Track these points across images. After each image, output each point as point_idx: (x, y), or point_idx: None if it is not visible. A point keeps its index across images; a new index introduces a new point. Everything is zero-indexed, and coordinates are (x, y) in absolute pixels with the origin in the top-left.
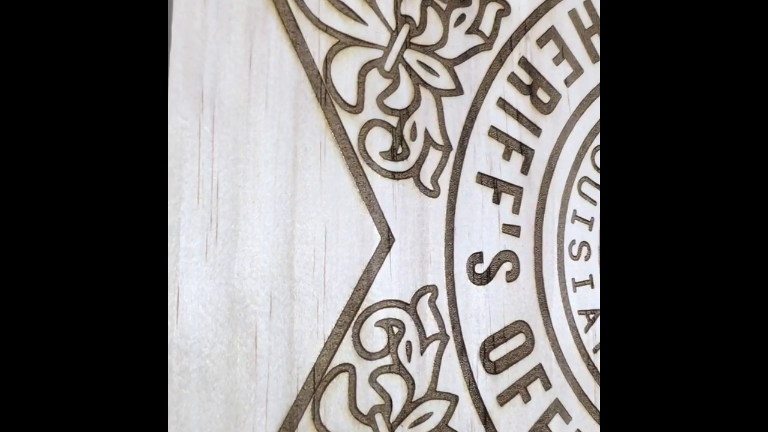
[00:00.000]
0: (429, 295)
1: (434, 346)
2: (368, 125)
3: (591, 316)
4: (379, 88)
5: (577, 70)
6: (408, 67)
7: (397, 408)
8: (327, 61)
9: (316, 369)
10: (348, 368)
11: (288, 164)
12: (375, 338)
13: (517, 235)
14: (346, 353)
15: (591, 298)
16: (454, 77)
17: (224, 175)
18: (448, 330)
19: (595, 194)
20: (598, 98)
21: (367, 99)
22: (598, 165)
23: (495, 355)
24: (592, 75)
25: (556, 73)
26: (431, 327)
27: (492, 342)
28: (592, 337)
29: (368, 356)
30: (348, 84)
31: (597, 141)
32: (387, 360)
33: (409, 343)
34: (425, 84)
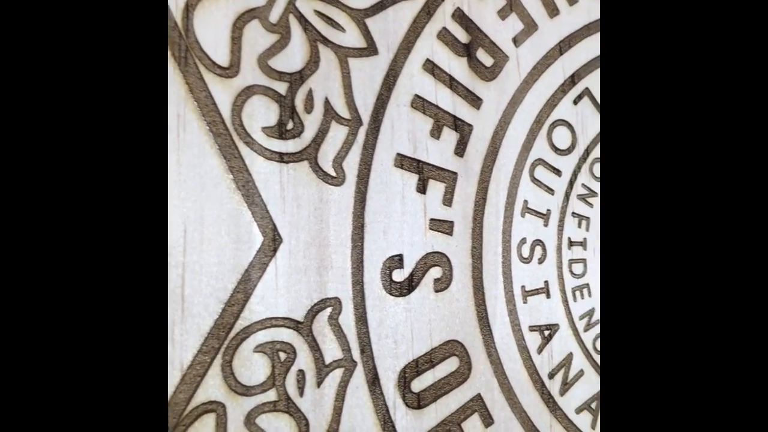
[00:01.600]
0: (329, 310)
1: (336, 375)
2: (246, 93)
3: (546, 332)
4: (262, 46)
5: (530, 26)
6: (302, 19)
7: None
8: (188, 9)
9: (171, 409)
10: (216, 407)
11: None
12: (254, 367)
13: (449, 233)
14: (213, 388)
15: (546, 310)
16: (366, 33)
17: None
18: (356, 354)
19: (553, 181)
20: (557, 61)
21: (244, 59)
22: (558, 145)
23: (419, 384)
24: (548, 32)
25: (501, 30)
26: (332, 351)
27: (415, 368)
28: (547, 359)
29: (244, 391)
30: (218, 40)
31: (556, 114)
32: (271, 395)
33: (301, 372)
34: (326, 41)
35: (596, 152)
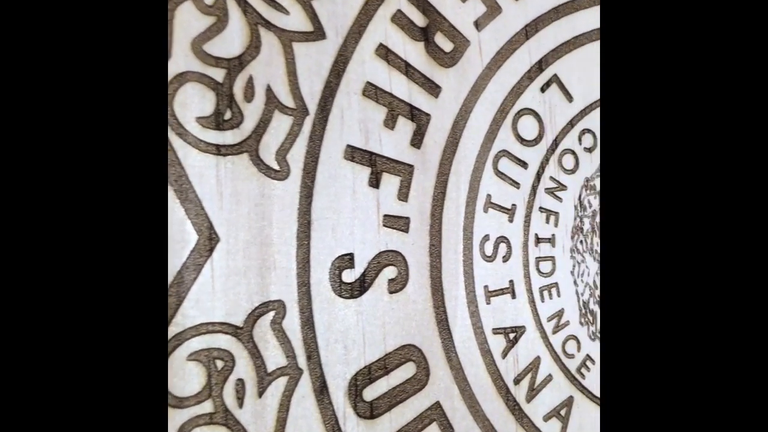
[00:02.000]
0: (272, 314)
1: (279, 384)
2: (179, 80)
3: (511, 335)
4: (197, 29)
5: (493, 9)
6: (241, 1)
7: None
8: None
9: None
10: None
11: None
12: (188, 377)
13: (405, 230)
14: None
15: (511, 311)
16: (312, 16)
17: None
18: (301, 361)
19: (519, 174)
20: (522, 46)
21: (176, 43)
22: (524, 136)
23: (372, 392)
24: (513, 15)
25: (462, 13)
26: (275, 358)
27: (367, 375)
28: (513, 364)
29: (177, 403)
30: None
31: (521, 103)
32: (206, 407)
33: (240, 381)
34: (268, 24)
35: (565, 143)
